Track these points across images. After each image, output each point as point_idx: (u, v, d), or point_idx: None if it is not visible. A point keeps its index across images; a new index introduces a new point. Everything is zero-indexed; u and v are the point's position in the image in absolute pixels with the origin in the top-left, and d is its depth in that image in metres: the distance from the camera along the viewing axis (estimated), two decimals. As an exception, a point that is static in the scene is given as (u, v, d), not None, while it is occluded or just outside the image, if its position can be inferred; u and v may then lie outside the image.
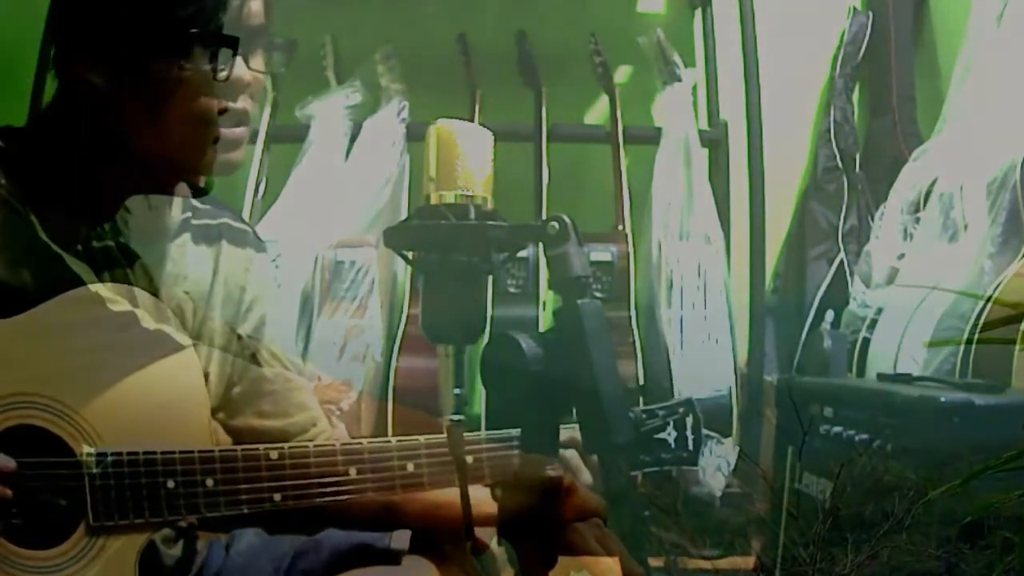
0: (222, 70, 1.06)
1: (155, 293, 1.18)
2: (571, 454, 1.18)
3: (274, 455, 1.08)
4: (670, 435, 1.30)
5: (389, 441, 1.15)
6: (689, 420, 1.32)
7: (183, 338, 1.11)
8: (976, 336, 2.30)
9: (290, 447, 1.10)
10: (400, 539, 1.26)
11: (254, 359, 1.27)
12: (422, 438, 1.15)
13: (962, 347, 2.40)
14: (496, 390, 1.09)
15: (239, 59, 1.07)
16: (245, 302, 1.31)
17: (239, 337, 1.27)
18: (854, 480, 1.56)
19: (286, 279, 2.85)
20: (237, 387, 1.26)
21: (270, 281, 1.60)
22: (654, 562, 1.90)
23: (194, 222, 1.30)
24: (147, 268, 1.19)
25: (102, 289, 1.07)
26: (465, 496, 1.03)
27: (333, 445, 1.12)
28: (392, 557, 1.25)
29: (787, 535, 1.40)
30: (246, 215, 2.96)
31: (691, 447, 1.32)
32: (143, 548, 1.03)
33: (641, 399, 1.36)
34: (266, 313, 1.33)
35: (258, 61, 1.09)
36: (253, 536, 1.33)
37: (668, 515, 1.72)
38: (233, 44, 1.06)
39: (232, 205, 2.85)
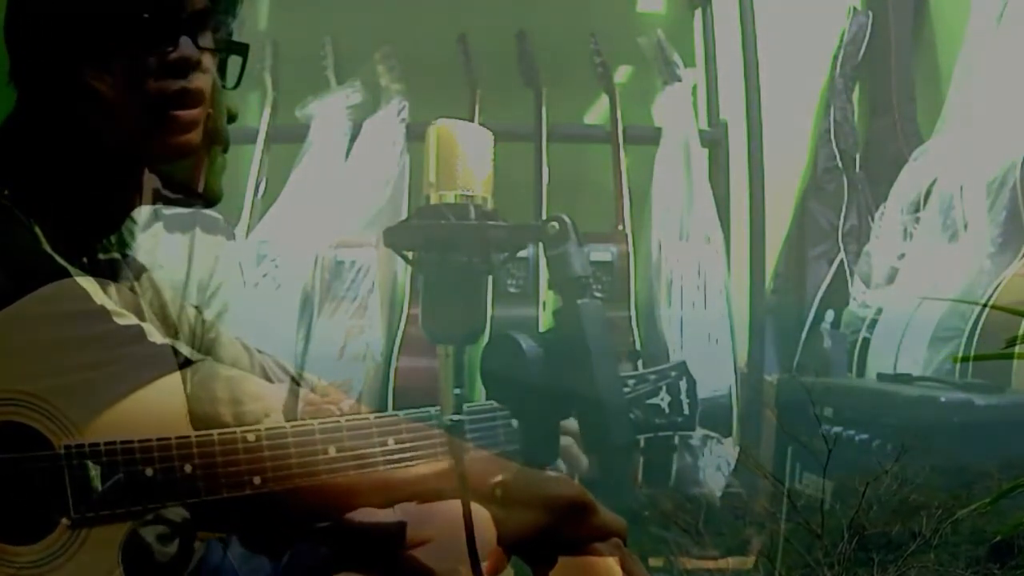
0: (171, 51, 1.06)
1: (163, 306, 1.17)
2: (568, 442, 1.17)
3: (251, 437, 1.06)
4: (663, 400, 1.25)
5: (367, 418, 1.14)
6: (683, 384, 1.27)
7: (187, 351, 1.11)
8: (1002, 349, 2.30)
9: (267, 429, 1.09)
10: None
11: (215, 343, 1.26)
12: (402, 413, 1.15)
13: (962, 347, 2.40)
14: (496, 390, 1.09)
15: (187, 39, 1.08)
16: (211, 287, 1.32)
17: (203, 321, 1.27)
18: (880, 498, 1.54)
19: (286, 279, 2.85)
20: (198, 373, 1.26)
21: (235, 268, 1.62)
22: (654, 562, 1.90)
23: (165, 212, 1.30)
24: (154, 281, 1.18)
25: (107, 301, 1.06)
26: (467, 507, 1.00)
27: (311, 424, 1.11)
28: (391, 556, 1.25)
29: (811, 556, 1.39)
30: (246, 215, 2.96)
31: (686, 411, 1.26)
32: (125, 538, 1.03)
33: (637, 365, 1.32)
34: (228, 301, 1.34)
35: (207, 39, 1.10)
36: (252, 535, 1.33)
37: (689, 535, 1.71)
38: (183, 28, 1.07)
39: (233, 205, 2.88)
